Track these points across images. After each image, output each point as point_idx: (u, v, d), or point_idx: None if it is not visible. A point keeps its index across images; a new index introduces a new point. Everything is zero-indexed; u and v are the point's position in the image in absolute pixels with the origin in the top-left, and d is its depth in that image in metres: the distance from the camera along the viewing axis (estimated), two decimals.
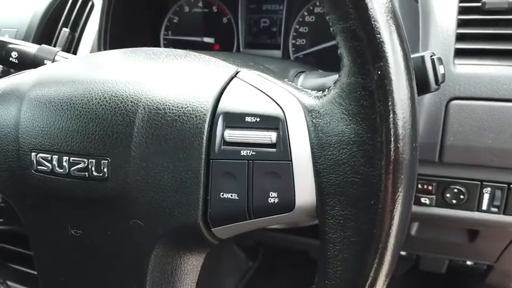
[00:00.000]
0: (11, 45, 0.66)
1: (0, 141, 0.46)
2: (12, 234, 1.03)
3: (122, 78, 0.41)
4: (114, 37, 0.82)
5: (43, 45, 0.68)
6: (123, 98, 0.39)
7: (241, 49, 0.88)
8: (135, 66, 0.44)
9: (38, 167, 0.42)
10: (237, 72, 0.42)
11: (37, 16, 0.87)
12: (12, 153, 0.45)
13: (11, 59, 0.66)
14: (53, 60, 0.67)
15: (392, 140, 0.30)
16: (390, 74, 0.30)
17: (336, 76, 0.53)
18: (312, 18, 0.83)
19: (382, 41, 0.30)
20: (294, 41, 0.85)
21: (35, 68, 0.67)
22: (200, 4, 0.92)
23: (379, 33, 0.30)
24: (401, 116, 0.30)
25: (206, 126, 0.37)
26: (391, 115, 0.30)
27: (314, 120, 0.35)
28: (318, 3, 0.82)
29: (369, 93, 0.31)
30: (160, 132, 0.38)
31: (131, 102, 0.39)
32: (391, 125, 0.30)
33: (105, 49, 0.81)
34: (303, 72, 0.60)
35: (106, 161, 0.39)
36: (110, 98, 0.40)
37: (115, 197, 0.39)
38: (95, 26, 0.86)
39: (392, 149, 0.30)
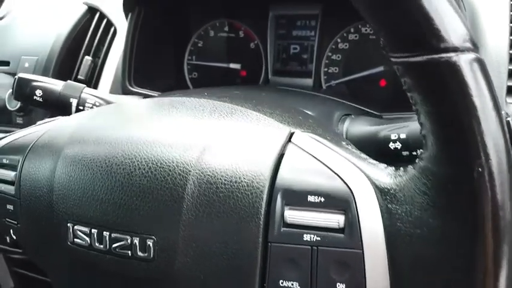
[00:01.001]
0: (35, 83, 0.63)
1: (33, 204, 0.43)
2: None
3: (167, 142, 0.38)
4: (138, 62, 0.79)
5: (68, 82, 0.65)
6: (170, 170, 0.36)
7: (269, 76, 0.84)
8: (180, 127, 0.40)
9: (75, 240, 0.39)
10: (291, 135, 0.38)
11: (58, 43, 0.84)
12: (45, 220, 0.42)
13: (35, 97, 0.63)
14: (79, 98, 0.64)
15: (492, 242, 0.26)
16: (493, 174, 0.26)
17: (387, 127, 0.50)
18: (346, 45, 0.79)
19: (485, 134, 0.26)
20: (326, 69, 0.81)
21: (60, 106, 0.64)
22: (226, 28, 0.88)
23: (482, 124, 0.26)
24: (503, 216, 0.26)
25: (263, 204, 0.34)
26: (492, 216, 0.26)
27: (390, 206, 0.31)
28: (352, 30, 0.78)
29: (464, 190, 0.27)
30: (212, 210, 0.35)
31: (179, 174, 0.36)
32: (492, 227, 0.26)
33: (129, 76, 0.78)
34: (347, 115, 0.56)
35: (152, 240, 0.35)
36: (155, 169, 0.36)
37: (161, 279, 0.36)
38: (118, 52, 0.83)
39: (492, 254, 0.26)
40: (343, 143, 0.39)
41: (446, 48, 0.26)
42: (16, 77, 0.63)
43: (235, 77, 0.89)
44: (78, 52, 0.85)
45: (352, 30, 0.78)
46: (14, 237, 0.47)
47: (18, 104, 0.82)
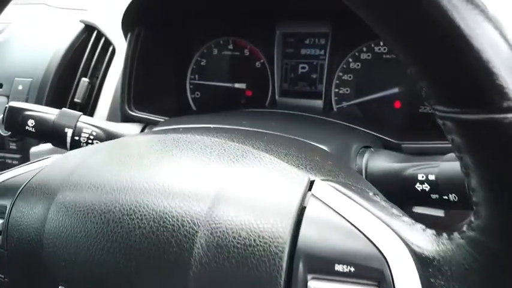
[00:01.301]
0: (27, 113, 0.59)
1: (22, 259, 0.38)
2: None
3: (171, 194, 0.33)
4: (138, 84, 0.75)
5: (63, 110, 0.60)
6: (174, 230, 0.31)
7: (276, 97, 0.80)
8: (185, 175, 0.35)
9: None
10: (311, 184, 0.34)
11: (54, 64, 0.79)
12: (35, 279, 0.37)
13: (27, 127, 0.59)
14: (75, 128, 0.60)
15: None
16: None
17: (412, 165, 0.45)
18: (358, 65, 0.75)
19: None
20: (337, 90, 0.76)
21: (54, 136, 0.60)
22: (230, 46, 0.84)
23: None
24: None
25: (283, 274, 0.29)
26: None
27: (433, 280, 0.26)
28: (364, 49, 0.74)
29: None
30: (223, 279, 0.30)
31: (185, 236, 0.31)
32: None
33: (128, 100, 0.74)
34: (366, 148, 0.52)
35: None
36: (157, 229, 0.32)
37: None
38: (117, 72, 0.79)
39: None
40: (370, 193, 0.34)
41: (511, 107, 0.21)
42: (7, 106, 0.59)
43: (240, 97, 0.84)
44: (74, 73, 0.81)
45: (364, 49, 0.74)
46: None
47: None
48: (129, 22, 0.70)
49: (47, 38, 0.84)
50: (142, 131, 0.63)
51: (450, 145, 0.26)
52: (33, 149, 0.78)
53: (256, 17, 0.79)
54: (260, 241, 0.30)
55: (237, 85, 0.84)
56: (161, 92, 0.82)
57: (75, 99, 0.77)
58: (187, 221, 0.31)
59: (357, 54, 0.74)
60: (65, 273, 0.35)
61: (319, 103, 0.77)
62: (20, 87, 0.79)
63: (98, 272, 0.33)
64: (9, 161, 0.79)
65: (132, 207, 0.33)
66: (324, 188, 0.33)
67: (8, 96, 0.79)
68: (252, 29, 0.81)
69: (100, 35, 0.82)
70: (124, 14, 0.68)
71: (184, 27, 0.83)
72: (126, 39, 0.74)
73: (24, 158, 0.79)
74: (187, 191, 0.33)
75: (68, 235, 0.35)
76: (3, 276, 0.42)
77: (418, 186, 0.44)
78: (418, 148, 0.57)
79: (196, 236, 0.31)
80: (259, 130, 0.51)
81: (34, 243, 0.37)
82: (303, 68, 0.78)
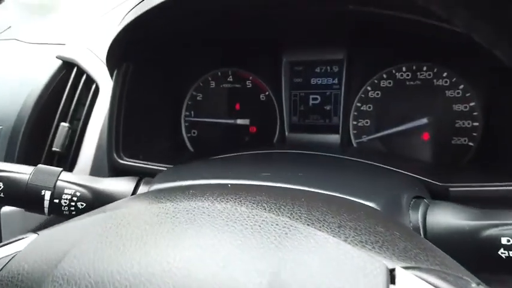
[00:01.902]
0: None
1: None
2: None
3: None
4: (127, 127, 0.64)
5: (39, 167, 0.49)
6: None
7: (286, 133, 0.71)
8: (215, 271, 0.25)
9: None
10: (391, 275, 0.24)
11: (27, 107, 0.68)
12: None
13: None
14: (54, 188, 0.49)
15: None
16: None
17: (488, 224, 0.36)
18: (378, 94, 0.66)
19: None
20: (355, 123, 0.68)
21: (29, 201, 0.48)
22: (230, 78, 0.75)
23: None
24: None
25: None
26: None
27: None
28: (384, 76, 0.66)
29: None
30: None
31: None
32: None
33: (117, 146, 0.63)
34: (418, 198, 0.42)
35: None
36: None
37: None
38: (102, 114, 0.69)
39: None
40: (473, 285, 0.25)
41: None
42: None
43: (243, 134, 0.75)
44: (52, 117, 0.70)
45: (384, 76, 0.65)
46: None
47: None
48: (115, 58, 0.60)
49: (19, 78, 0.73)
50: (137, 186, 0.52)
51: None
52: (5, 209, 0.66)
53: (259, 45, 0.70)
54: None
55: (239, 121, 0.74)
56: (154, 133, 0.72)
57: (54, 148, 0.66)
58: None
59: (376, 81, 0.66)
60: None
61: (335, 138, 0.68)
62: None
63: None
64: None
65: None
66: (411, 281, 0.24)
67: None
68: (254, 58, 0.72)
69: (81, 72, 0.72)
70: (109, 50, 0.58)
71: (178, 60, 0.74)
72: (111, 77, 0.64)
73: None
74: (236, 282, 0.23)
75: None
76: None
77: (503, 253, 0.34)
78: (469, 192, 0.48)
79: None
80: (288, 186, 0.41)
81: None
82: (315, 99, 0.69)
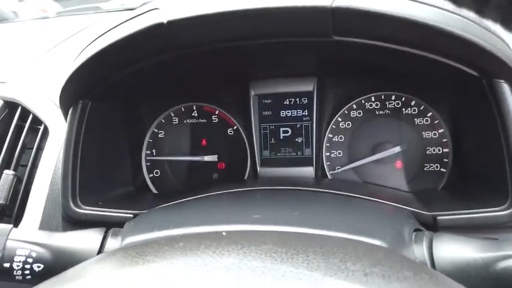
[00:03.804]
0: None
1: None
2: None
3: None
4: (85, 172, 0.57)
5: None
6: None
7: (258, 168, 0.67)
8: None
9: None
10: None
11: None
12: None
13: None
14: (4, 250, 0.41)
15: None
16: None
17: (500, 256, 0.34)
18: (349, 124, 0.66)
19: None
20: (328, 154, 0.66)
21: None
22: (195, 113, 0.71)
23: None
24: None
25: None
26: None
27: None
28: (354, 106, 0.65)
29: None
30: None
31: None
32: None
33: (73, 194, 0.55)
34: (418, 231, 0.41)
35: None
36: None
37: None
38: (51, 158, 0.61)
39: None
40: None
41: None
42: None
43: (211, 171, 0.70)
44: None
45: (354, 106, 0.65)
46: None
47: None
48: (71, 94, 0.54)
49: None
50: (104, 239, 0.46)
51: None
52: None
53: (225, 78, 0.67)
54: None
55: (206, 158, 0.70)
56: (114, 176, 0.65)
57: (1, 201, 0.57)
58: None
59: (346, 112, 0.66)
60: None
61: (309, 170, 0.66)
62: None
63: None
64: None
65: None
66: None
67: None
68: (220, 92, 0.69)
69: (26, 112, 0.64)
70: (64, 86, 0.52)
71: (137, 96, 0.69)
72: (65, 116, 0.57)
73: None
74: None
75: None
76: None
77: None
78: (456, 221, 0.48)
79: None
80: (287, 229, 0.37)
81: None
82: (285, 131, 0.67)
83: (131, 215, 0.54)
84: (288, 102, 0.67)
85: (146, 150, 0.72)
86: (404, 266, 0.29)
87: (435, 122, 0.63)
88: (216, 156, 0.70)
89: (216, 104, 0.70)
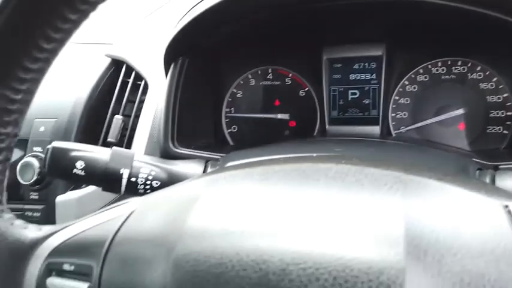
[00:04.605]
0: (75, 153, 0.50)
1: None
2: None
3: (353, 239, 0.26)
4: (180, 119, 0.67)
5: (116, 149, 0.52)
6: (371, 281, 0.24)
7: (326, 126, 0.75)
8: (356, 214, 0.28)
9: None
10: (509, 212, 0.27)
11: (80, 102, 0.72)
12: None
13: (75, 170, 0.50)
14: (131, 168, 0.51)
15: None
16: None
17: None
18: (415, 88, 0.71)
19: None
20: (394, 115, 0.72)
21: (108, 179, 0.51)
22: (270, 76, 0.79)
23: None
24: None
25: None
26: None
27: None
28: (421, 71, 0.70)
29: None
30: None
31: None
32: None
33: (172, 136, 0.66)
34: (480, 170, 0.46)
35: None
36: (345, 280, 0.24)
37: None
38: (151, 109, 0.72)
39: None
40: None
41: None
42: (50, 146, 0.50)
43: (282, 128, 0.79)
44: (103, 111, 0.73)
45: (421, 71, 0.70)
46: None
47: (34, 177, 0.68)
48: (175, 51, 0.64)
49: (70, 75, 0.76)
50: (205, 168, 0.56)
51: None
52: (60, 198, 0.68)
53: (299, 43, 0.74)
54: None
55: (280, 116, 0.78)
56: (199, 128, 0.76)
57: (109, 139, 0.69)
58: (387, 270, 0.24)
59: (413, 76, 0.71)
60: None
61: (375, 129, 0.72)
62: (42, 129, 0.70)
63: None
64: (30, 213, 0.69)
65: (301, 254, 0.26)
66: None
67: (27, 140, 0.70)
68: (294, 56, 0.77)
69: (129, 69, 0.76)
70: (170, 44, 0.62)
71: (222, 57, 0.78)
72: (166, 71, 0.67)
73: (49, 209, 0.68)
74: (374, 234, 0.26)
75: None
76: None
77: None
78: None
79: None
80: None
81: None
82: (354, 94, 0.74)
83: (219, 157, 0.63)
84: (357, 67, 0.73)
85: (226, 108, 0.81)
86: (472, 178, 0.35)
87: (500, 87, 0.66)
88: (288, 115, 0.78)
89: (289, 67, 0.78)
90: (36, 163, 0.67)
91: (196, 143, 0.71)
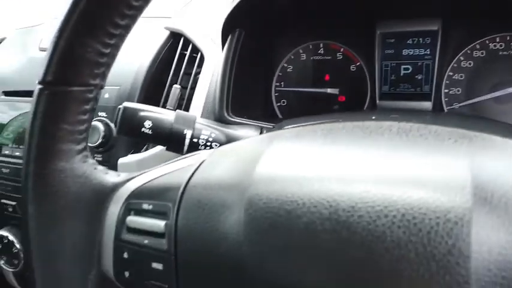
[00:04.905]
0: (143, 113, 0.54)
1: (202, 263, 0.33)
2: None
3: (422, 182, 0.27)
4: (235, 89, 0.70)
5: (179, 112, 0.56)
6: (438, 225, 0.26)
7: (377, 101, 0.75)
8: (427, 164, 0.29)
9: None
10: None
11: (142, 71, 0.76)
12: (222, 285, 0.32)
13: (143, 129, 0.54)
14: (193, 129, 0.55)
15: None
16: None
17: None
18: (470, 64, 0.70)
19: None
20: (447, 91, 0.72)
21: (173, 139, 0.55)
22: (321, 51, 0.80)
23: None
24: None
25: None
26: None
27: None
28: (478, 46, 0.69)
29: None
30: None
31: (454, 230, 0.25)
32: None
33: (227, 105, 0.69)
34: None
35: None
36: (414, 219, 0.26)
37: None
38: (206, 80, 0.75)
39: None
40: None
41: None
42: (121, 106, 0.55)
43: (331, 103, 0.80)
44: (162, 81, 0.77)
45: (478, 46, 0.69)
46: None
47: (99, 140, 0.73)
48: (233, 22, 0.67)
49: (132, 46, 0.81)
50: (261, 132, 0.59)
51: None
52: (122, 160, 0.73)
53: (352, 18, 0.75)
54: None
55: (329, 90, 0.79)
56: (251, 100, 0.78)
57: (167, 107, 0.73)
58: (455, 209, 0.26)
59: (469, 52, 0.70)
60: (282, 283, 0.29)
61: (427, 105, 0.72)
62: (106, 96, 0.76)
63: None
64: None
65: (370, 194, 0.28)
66: None
67: None
68: (347, 31, 0.78)
69: (187, 41, 0.79)
70: (229, 15, 0.65)
71: (274, 31, 0.80)
72: (223, 43, 0.70)
73: (111, 170, 0.74)
74: (441, 177, 0.27)
75: (275, 237, 0.29)
76: (167, 287, 0.36)
77: None
78: None
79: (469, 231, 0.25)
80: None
81: (220, 248, 0.32)
82: (406, 69, 0.74)
83: (271, 126, 0.66)
84: (411, 42, 0.73)
85: (276, 82, 0.84)
86: None
87: None
88: (338, 89, 0.79)
89: (341, 41, 0.78)
90: (101, 127, 0.73)
91: (248, 114, 0.74)
